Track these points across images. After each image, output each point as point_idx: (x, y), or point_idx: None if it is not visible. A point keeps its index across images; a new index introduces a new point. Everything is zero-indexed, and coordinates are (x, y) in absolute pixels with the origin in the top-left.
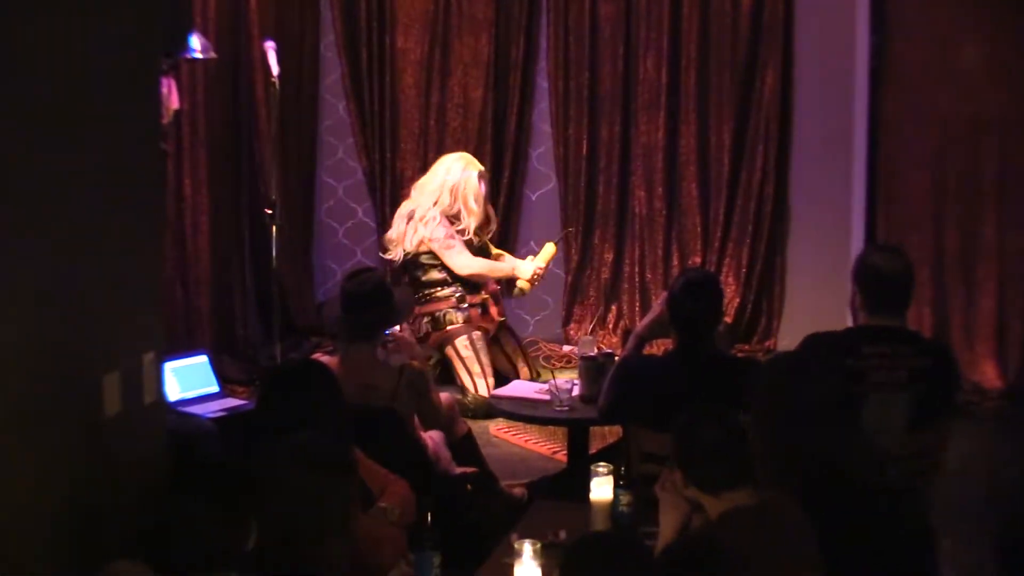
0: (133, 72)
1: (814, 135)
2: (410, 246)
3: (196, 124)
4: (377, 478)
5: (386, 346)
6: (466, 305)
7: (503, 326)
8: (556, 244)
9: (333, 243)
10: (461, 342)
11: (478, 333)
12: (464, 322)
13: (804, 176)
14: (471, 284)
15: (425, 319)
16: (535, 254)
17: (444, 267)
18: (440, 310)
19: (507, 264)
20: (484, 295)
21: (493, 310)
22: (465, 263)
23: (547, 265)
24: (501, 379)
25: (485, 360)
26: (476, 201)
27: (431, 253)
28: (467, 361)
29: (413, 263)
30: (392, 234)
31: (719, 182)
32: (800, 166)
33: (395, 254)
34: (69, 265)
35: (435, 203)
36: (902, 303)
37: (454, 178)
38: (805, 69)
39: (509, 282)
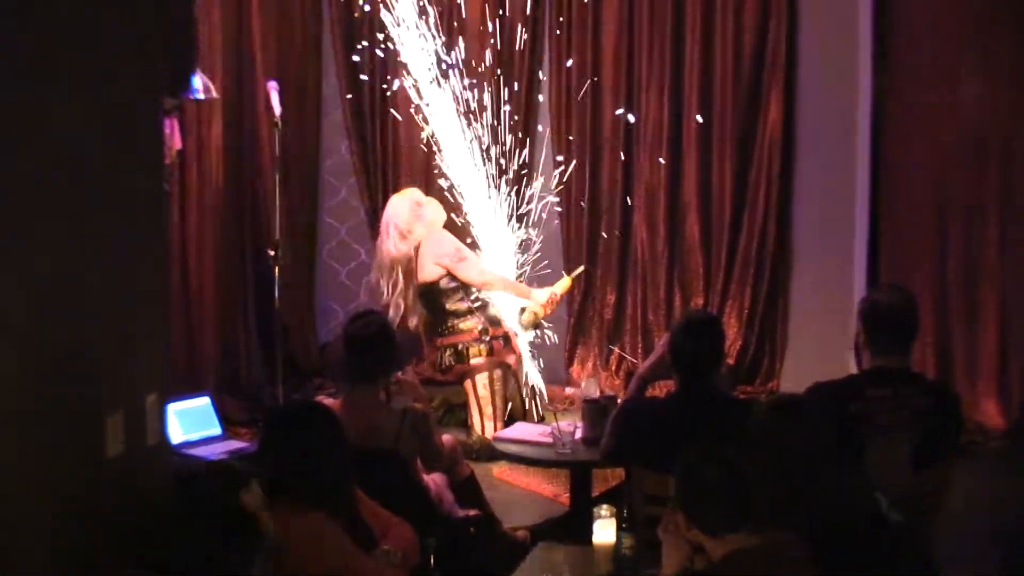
0: (136, 113)
1: (816, 172)
2: (426, 276)
3: (200, 164)
4: (380, 520)
5: (389, 388)
6: (488, 337)
7: (520, 364)
8: (572, 279)
9: (336, 284)
10: (481, 379)
11: (499, 372)
12: (487, 355)
13: (807, 215)
14: (493, 317)
15: (448, 351)
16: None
17: (465, 295)
18: (463, 342)
19: (523, 285)
20: (507, 328)
21: (515, 343)
22: (483, 270)
23: (562, 295)
24: (513, 420)
25: (499, 403)
26: (430, 211)
27: (448, 276)
28: (482, 400)
29: (431, 291)
30: (400, 312)
31: (721, 222)
32: (802, 204)
33: (415, 320)
34: (72, 305)
35: (410, 234)
36: (906, 342)
37: (404, 211)
38: (807, 105)
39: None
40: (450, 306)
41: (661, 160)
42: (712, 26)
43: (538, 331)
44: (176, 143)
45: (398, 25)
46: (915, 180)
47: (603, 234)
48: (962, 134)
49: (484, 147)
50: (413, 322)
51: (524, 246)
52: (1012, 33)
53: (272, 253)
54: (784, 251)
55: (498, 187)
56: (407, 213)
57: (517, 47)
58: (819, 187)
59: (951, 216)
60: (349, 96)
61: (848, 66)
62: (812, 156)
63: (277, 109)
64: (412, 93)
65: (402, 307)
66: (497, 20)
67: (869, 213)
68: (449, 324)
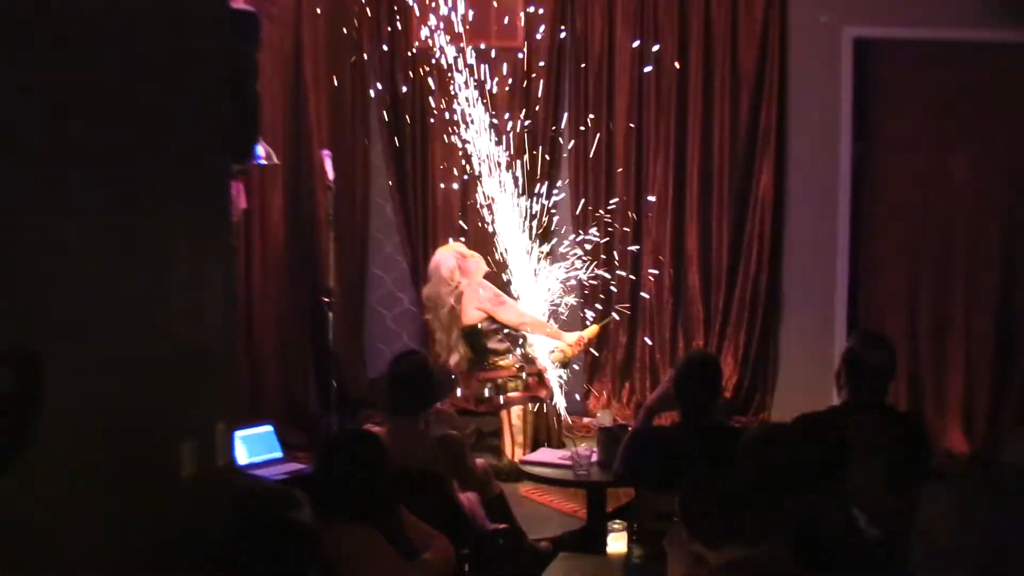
0: (208, 177)
1: (803, 231)
2: (469, 319)
3: (263, 222)
4: (421, 533)
5: (428, 418)
6: (524, 374)
7: (553, 400)
8: (600, 326)
9: (382, 327)
10: (516, 411)
11: (531, 405)
12: (523, 390)
13: (794, 268)
14: (529, 356)
15: (487, 385)
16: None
17: (504, 336)
18: (501, 378)
19: (556, 328)
20: (540, 366)
21: (547, 379)
22: (520, 312)
23: (590, 339)
24: (539, 446)
25: (529, 432)
26: (473, 264)
27: (489, 319)
28: (514, 429)
29: (474, 332)
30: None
31: (719, 274)
32: (790, 259)
33: (456, 357)
34: (153, 347)
35: (455, 287)
36: (885, 382)
37: (451, 261)
38: (795, 174)
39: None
40: (491, 346)
41: (667, 221)
42: (711, 108)
43: (566, 369)
44: (242, 203)
45: (440, 111)
46: (890, 239)
47: (616, 284)
48: (932, 199)
49: (523, 218)
50: (455, 359)
51: (550, 296)
52: (972, 121)
53: (327, 300)
54: (774, 300)
55: (533, 257)
56: (452, 264)
57: (546, 134)
58: (805, 244)
59: (923, 272)
60: (393, 164)
61: (831, 141)
62: (799, 217)
63: (330, 175)
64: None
65: (445, 345)
66: (524, 110)
67: (849, 267)
68: (490, 361)
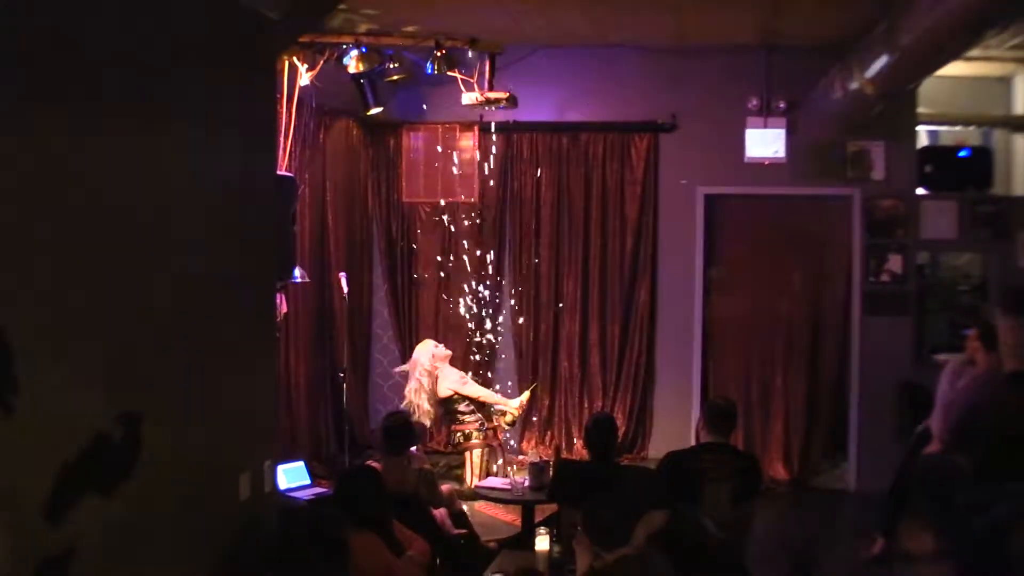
0: (261, 291)
1: (670, 327)
2: (443, 393)
3: (297, 322)
4: (406, 537)
5: (409, 457)
6: (483, 428)
7: (502, 445)
8: (530, 391)
9: (380, 393)
10: (476, 453)
11: (487, 450)
12: (482, 439)
13: (663, 353)
14: (487, 415)
15: (458, 434)
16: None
17: (468, 402)
18: (468, 430)
19: (502, 397)
20: (496, 423)
21: (500, 434)
22: (475, 391)
23: (526, 401)
24: (491, 477)
25: (484, 468)
26: (441, 352)
27: (457, 393)
28: (474, 465)
29: (448, 401)
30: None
31: (612, 357)
32: (661, 347)
33: (428, 421)
34: (218, 407)
35: (428, 371)
36: (729, 429)
37: (428, 354)
38: (664, 289)
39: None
40: (460, 409)
41: (576, 320)
42: (607, 243)
43: (513, 425)
44: (283, 308)
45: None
46: (730, 332)
47: (540, 363)
48: (757, 305)
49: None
50: (427, 422)
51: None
52: (786, 250)
53: (342, 375)
54: (650, 375)
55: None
56: (428, 355)
57: (492, 259)
58: (671, 337)
59: (753, 355)
60: (388, 281)
61: (689, 266)
62: (667, 319)
63: (345, 289)
64: None
65: (422, 409)
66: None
67: (701, 352)
68: (460, 419)
